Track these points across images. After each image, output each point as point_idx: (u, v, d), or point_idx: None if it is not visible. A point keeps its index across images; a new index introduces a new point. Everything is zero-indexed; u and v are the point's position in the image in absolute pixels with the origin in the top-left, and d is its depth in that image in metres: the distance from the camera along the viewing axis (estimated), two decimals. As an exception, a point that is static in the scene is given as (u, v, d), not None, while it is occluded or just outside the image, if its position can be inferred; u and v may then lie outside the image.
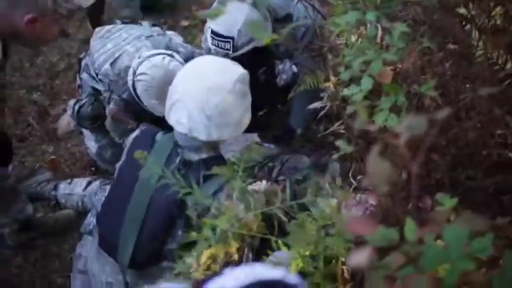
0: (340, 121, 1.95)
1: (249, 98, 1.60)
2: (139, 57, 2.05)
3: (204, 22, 2.66)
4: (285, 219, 1.26)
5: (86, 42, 3.87)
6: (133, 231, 1.50)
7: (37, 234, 2.16)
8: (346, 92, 1.36)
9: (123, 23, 2.42)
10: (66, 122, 2.86)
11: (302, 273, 1.31)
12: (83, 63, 2.39)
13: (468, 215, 0.73)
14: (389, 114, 1.31)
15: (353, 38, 1.69)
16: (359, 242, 1.19)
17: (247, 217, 1.22)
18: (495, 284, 0.69)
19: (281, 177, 1.97)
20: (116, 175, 1.68)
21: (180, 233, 1.51)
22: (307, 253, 1.32)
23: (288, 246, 1.33)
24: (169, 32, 2.34)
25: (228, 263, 1.26)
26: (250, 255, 1.40)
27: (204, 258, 1.22)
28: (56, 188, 2.39)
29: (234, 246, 1.23)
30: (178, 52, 2.18)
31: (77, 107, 2.35)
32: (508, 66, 1.55)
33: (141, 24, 2.38)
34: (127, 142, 1.73)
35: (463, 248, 0.66)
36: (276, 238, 1.34)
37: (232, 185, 1.22)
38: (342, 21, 1.23)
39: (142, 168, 1.48)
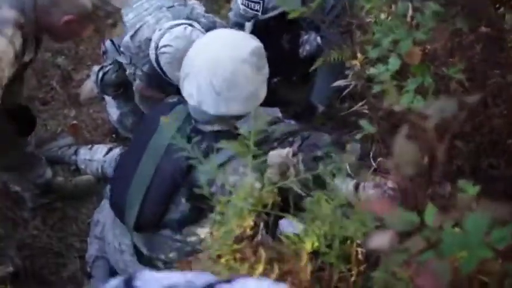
0: (364, 100, 1.92)
1: (265, 73, 1.58)
2: (159, 30, 2.04)
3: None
4: (300, 192, 1.25)
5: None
6: (139, 195, 1.52)
7: (56, 197, 2.19)
8: (372, 70, 1.34)
9: None
10: (89, 87, 2.87)
11: (316, 252, 1.32)
12: None
13: (490, 204, 0.71)
14: (416, 96, 1.29)
15: (382, 16, 1.65)
16: (378, 226, 1.19)
17: (261, 192, 1.21)
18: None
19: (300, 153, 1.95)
20: (131, 138, 1.70)
21: (183, 201, 1.52)
22: (322, 232, 1.32)
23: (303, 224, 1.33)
24: (191, 1, 2.31)
25: (243, 238, 1.26)
26: (264, 232, 1.41)
27: (219, 234, 1.22)
28: (76, 153, 2.42)
29: (249, 222, 1.23)
30: (199, 22, 2.16)
31: (101, 74, 2.36)
32: (541, 52, 1.50)
33: None
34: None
35: (482, 237, 0.65)
36: (291, 215, 1.35)
37: (246, 160, 1.21)
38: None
39: (155, 131, 1.49)
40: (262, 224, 1.37)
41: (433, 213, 0.74)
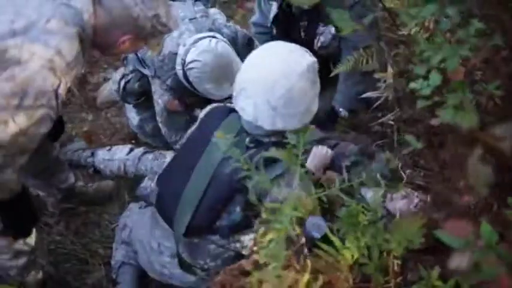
0: (393, 112, 1.97)
1: (318, 86, 1.62)
2: (184, 45, 2.08)
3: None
4: (346, 200, 1.29)
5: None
6: (193, 201, 1.57)
7: (78, 202, 2.23)
8: (413, 85, 1.38)
9: None
10: (106, 91, 2.92)
11: (355, 264, 1.36)
12: None
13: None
14: (458, 111, 1.33)
15: (417, 30, 1.71)
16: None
17: (309, 199, 1.26)
18: None
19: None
20: (184, 142, 1.73)
21: (237, 209, 1.57)
22: (362, 244, 1.37)
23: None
24: (212, 11, 2.35)
25: (290, 246, 1.30)
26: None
27: (265, 241, 1.26)
28: (93, 154, 2.46)
29: (297, 230, 1.27)
30: (221, 33, 2.21)
31: (123, 83, 2.40)
32: None
33: (184, 1, 2.39)
34: (200, 115, 1.78)
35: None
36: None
37: (293, 170, 1.26)
38: (421, 13, 1.24)
39: (210, 139, 1.53)
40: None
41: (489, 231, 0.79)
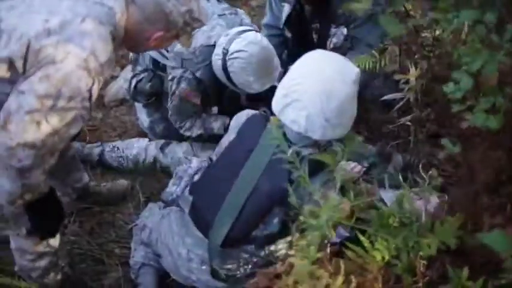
0: (412, 114, 2.00)
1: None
2: (226, 35, 2.09)
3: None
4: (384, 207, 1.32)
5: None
6: (233, 212, 1.58)
7: (92, 202, 2.23)
8: (447, 88, 1.41)
9: None
10: (114, 90, 2.91)
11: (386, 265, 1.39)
12: None
13: None
14: (489, 116, 1.35)
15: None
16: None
17: (346, 207, 1.28)
18: None
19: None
20: (222, 151, 1.73)
21: (275, 221, 1.59)
22: (393, 246, 1.39)
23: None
24: (240, 10, 2.37)
25: (324, 249, 1.33)
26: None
27: (301, 244, 1.28)
28: (102, 145, 2.47)
29: (332, 234, 1.29)
30: None
31: (134, 82, 2.41)
32: None
33: (208, 0, 2.41)
34: (233, 122, 1.79)
35: None
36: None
37: (336, 176, 1.28)
38: (459, 18, 1.26)
39: (251, 151, 1.56)
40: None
41: None
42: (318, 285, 1.29)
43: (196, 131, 2.39)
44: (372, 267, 1.39)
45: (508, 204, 1.46)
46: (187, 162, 1.87)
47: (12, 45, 1.36)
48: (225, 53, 2.09)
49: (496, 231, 1.12)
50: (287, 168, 1.51)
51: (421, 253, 1.40)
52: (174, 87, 2.27)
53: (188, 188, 1.79)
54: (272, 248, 1.65)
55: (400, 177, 1.85)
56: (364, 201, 1.32)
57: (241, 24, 2.26)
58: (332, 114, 1.55)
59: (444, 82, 1.83)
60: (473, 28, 1.40)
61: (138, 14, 1.50)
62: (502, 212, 1.47)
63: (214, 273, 1.64)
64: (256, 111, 1.84)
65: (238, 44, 2.08)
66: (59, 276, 1.74)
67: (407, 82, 1.89)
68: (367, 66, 2.07)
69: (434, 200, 1.83)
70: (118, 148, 2.45)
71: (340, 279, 1.31)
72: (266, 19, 2.66)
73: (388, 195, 1.96)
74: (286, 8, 2.46)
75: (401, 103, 1.90)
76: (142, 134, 2.62)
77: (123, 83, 2.77)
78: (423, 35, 1.87)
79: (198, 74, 2.22)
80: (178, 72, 2.24)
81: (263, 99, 2.30)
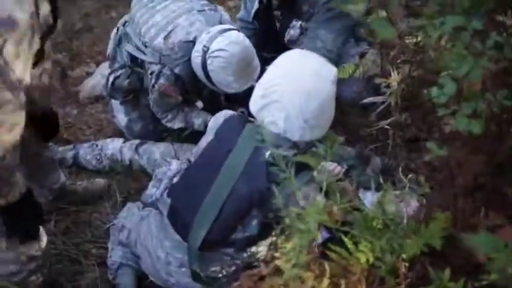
0: (391, 119, 2.03)
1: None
2: (208, 32, 2.08)
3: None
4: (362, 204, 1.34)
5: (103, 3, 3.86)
6: (211, 215, 1.57)
7: (68, 201, 2.18)
8: (433, 93, 1.43)
9: None
10: (90, 86, 2.86)
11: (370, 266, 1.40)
12: (120, 32, 2.39)
13: None
14: (471, 121, 1.38)
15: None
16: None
17: (333, 210, 1.29)
18: None
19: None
20: (200, 152, 1.71)
21: (253, 223, 1.59)
22: (378, 248, 1.41)
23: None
24: (219, 7, 2.36)
25: (309, 252, 1.33)
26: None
27: (289, 247, 1.28)
28: (75, 147, 2.43)
29: (317, 236, 1.30)
30: None
31: (111, 78, 2.37)
32: None
33: None
34: (211, 123, 1.77)
35: None
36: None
37: (320, 178, 1.29)
38: (446, 24, 1.29)
39: (230, 152, 1.53)
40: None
41: None
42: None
43: (177, 124, 2.38)
44: (356, 269, 1.41)
45: (482, 207, 1.50)
46: (167, 164, 1.84)
47: None
48: (206, 50, 2.07)
49: (483, 233, 1.14)
50: (265, 169, 1.51)
51: (403, 255, 1.42)
52: (153, 81, 2.25)
53: (167, 191, 1.77)
54: (253, 249, 1.65)
55: (381, 179, 1.90)
56: (350, 204, 1.32)
57: (220, 21, 2.26)
58: (311, 115, 1.55)
59: (425, 87, 1.87)
60: (456, 34, 1.43)
61: None
62: (476, 215, 1.51)
63: (194, 276, 1.62)
64: (234, 112, 1.83)
65: (220, 42, 2.06)
66: (40, 279, 1.70)
67: (388, 86, 1.91)
68: (349, 72, 2.10)
69: (414, 202, 1.86)
70: (97, 145, 2.41)
71: (325, 281, 1.32)
72: (240, 14, 2.69)
73: (367, 197, 1.99)
74: (256, 3, 2.50)
75: (382, 107, 1.92)
76: (118, 133, 2.59)
77: (100, 78, 2.72)
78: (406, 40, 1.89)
79: (176, 70, 2.20)
80: (156, 67, 2.22)
81: (240, 99, 2.31)
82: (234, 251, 1.60)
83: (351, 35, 2.39)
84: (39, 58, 1.49)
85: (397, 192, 1.79)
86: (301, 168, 1.38)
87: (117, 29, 2.41)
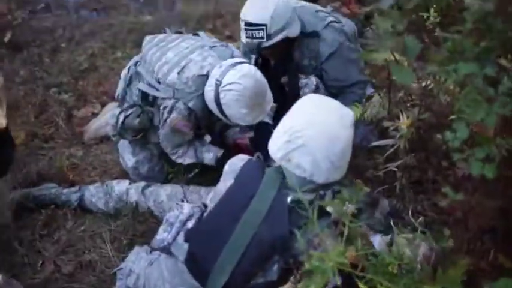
0: (400, 161, 2.04)
1: None
2: (220, 66, 2.11)
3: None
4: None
5: (108, 44, 3.93)
6: (233, 260, 1.56)
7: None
8: (447, 137, 1.44)
9: (176, 32, 2.48)
10: (95, 127, 2.87)
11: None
12: (131, 72, 2.42)
13: None
14: (485, 165, 1.39)
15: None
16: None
17: (353, 255, 1.28)
18: None
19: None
20: (220, 198, 1.70)
21: (274, 268, 1.57)
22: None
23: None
24: (230, 44, 2.40)
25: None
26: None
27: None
28: (80, 189, 2.41)
29: (337, 280, 1.29)
30: None
31: (122, 117, 2.38)
32: None
33: (197, 34, 2.45)
34: (228, 167, 1.76)
35: None
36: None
37: (343, 223, 1.29)
38: (459, 70, 1.31)
39: (252, 198, 1.56)
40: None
41: None
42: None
43: (188, 160, 2.38)
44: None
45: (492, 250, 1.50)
46: (179, 208, 1.82)
47: None
48: (218, 84, 2.10)
49: (503, 278, 1.14)
50: (287, 214, 1.52)
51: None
52: (165, 115, 2.27)
53: (182, 235, 1.74)
54: None
55: (392, 223, 1.89)
56: (369, 251, 1.32)
57: (232, 56, 2.29)
58: (336, 158, 1.57)
59: (434, 130, 1.88)
60: (469, 80, 1.46)
61: None
62: (485, 257, 1.51)
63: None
64: (251, 157, 1.84)
65: (232, 76, 2.09)
66: None
67: (396, 129, 1.93)
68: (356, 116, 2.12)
69: (423, 246, 1.85)
70: (103, 187, 2.39)
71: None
72: None
73: (376, 240, 1.98)
74: (252, 60, 2.54)
75: (391, 150, 1.93)
76: (123, 174, 2.58)
77: (106, 120, 2.73)
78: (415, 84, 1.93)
79: (190, 104, 2.21)
80: (170, 102, 2.24)
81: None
82: None
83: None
84: None
85: (409, 235, 1.80)
86: (322, 212, 1.39)
87: (128, 69, 2.45)
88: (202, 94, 2.20)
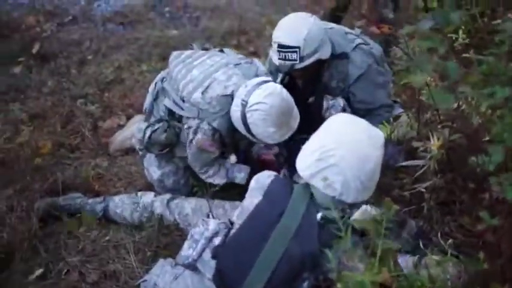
0: (429, 182, 2.03)
1: None
2: (245, 86, 2.12)
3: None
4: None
5: (134, 57, 3.99)
6: (263, 277, 1.55)
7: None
8: (480, 160, 1.44)
9: (203, 49, 2.50)
10: (120, 139, 2.90)
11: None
12: (157, 87, 2.45)
13: None
14: (523, 189, 1.38)
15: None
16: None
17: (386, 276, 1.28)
18: None
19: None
20: (249, 214, 1.71)
21: (304, 285, 1.57)
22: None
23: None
24: (255, 60, 2.41)
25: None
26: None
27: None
28: (105, 200, 2.43)
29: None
30: None
31: (148, 132, 2.40)
32: None
33: (223, 51, 2.47)
34: (254, 183, 1.77)
35: None
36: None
37: (375, 243, 1.29)
38: (497, 95, 1.31)
39: (281, 214, 1.56)
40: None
41: None
42: None
43: (219, 180, 2.40)
44: None
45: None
46: (204, 223, 1.82)
47: None
48: (244, 104, 2.11)
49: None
50: (317, 231, 1.52)
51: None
52: (191, 136, 2.28)
53: (208, 252, 1.74)
54: None
55: (421, 243, 1.88)
56: (401, 272, 1.31)
57: (257, 73, 2.30)
58: (366, 178, 1.58)
59: (465, 153, 1.87)
60: (505, 103, 1.46)
61: None
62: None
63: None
64: (277, 173, 1.84)
65: (258, 95, 2.09)
66: None
67: (425, 150, 1.92)
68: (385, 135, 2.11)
69: (451, 268, 1.83)
70: (128, 199, 2.41)
71: None
72: None
73: (404, 260, 1.96)
74: (278, 80, 2.54)
75: (421, 171, 1.93)
76: (148, 186, 2.60)
77: (131, 132, 2.76)
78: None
79: (214, 124, 2.23)
80: (194, 122, 2.26)
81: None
82: None
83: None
84: None
85: (438, 257, 1.78)
86: (352, 230, 1.39)
87: (155, 84, 2.47)
88: (227, 114, 2.21)
